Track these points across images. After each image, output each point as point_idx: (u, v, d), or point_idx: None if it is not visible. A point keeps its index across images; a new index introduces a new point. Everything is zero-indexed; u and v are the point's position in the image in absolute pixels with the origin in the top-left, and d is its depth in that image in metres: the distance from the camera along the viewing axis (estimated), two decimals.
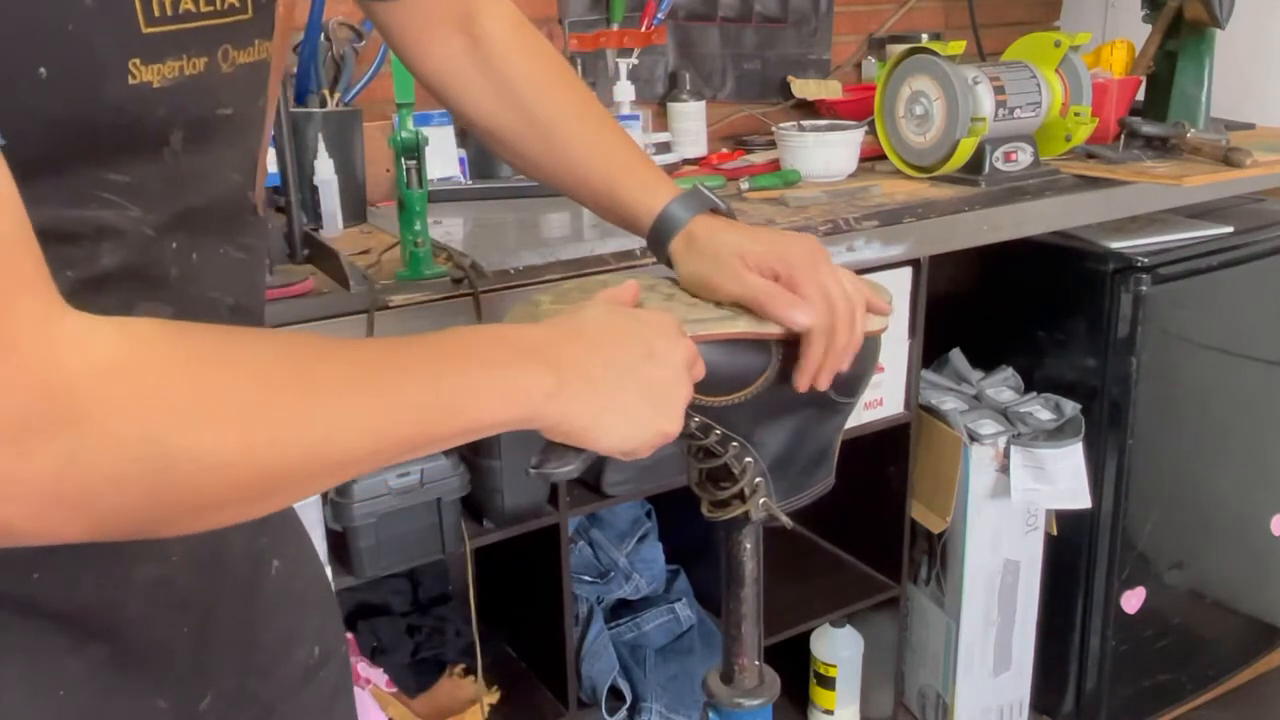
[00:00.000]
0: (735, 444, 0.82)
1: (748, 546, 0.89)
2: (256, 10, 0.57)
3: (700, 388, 0.78)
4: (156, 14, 0.51)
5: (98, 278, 0.52)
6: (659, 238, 0.85)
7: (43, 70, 0.47)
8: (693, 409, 0.79)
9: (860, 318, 0.79)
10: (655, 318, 0.66)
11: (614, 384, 0.60)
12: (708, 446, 0.82)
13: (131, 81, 0.50)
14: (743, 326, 0.79)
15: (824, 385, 0.79)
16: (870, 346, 0.86)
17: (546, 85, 0.87)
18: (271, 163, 1.30)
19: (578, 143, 0.86)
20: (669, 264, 0.86)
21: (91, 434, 0.42)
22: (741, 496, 0.84)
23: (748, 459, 0.83)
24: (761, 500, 0.84)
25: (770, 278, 0.79)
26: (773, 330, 0.79)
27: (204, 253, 0.59)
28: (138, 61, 0.51)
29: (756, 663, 0.93)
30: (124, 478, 0.43)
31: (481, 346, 0.56)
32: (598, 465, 1.48)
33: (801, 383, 0.79)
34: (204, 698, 0.64)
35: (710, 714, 0.93)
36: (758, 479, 0.84)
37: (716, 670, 0.94)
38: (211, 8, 0.54)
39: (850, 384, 0.85)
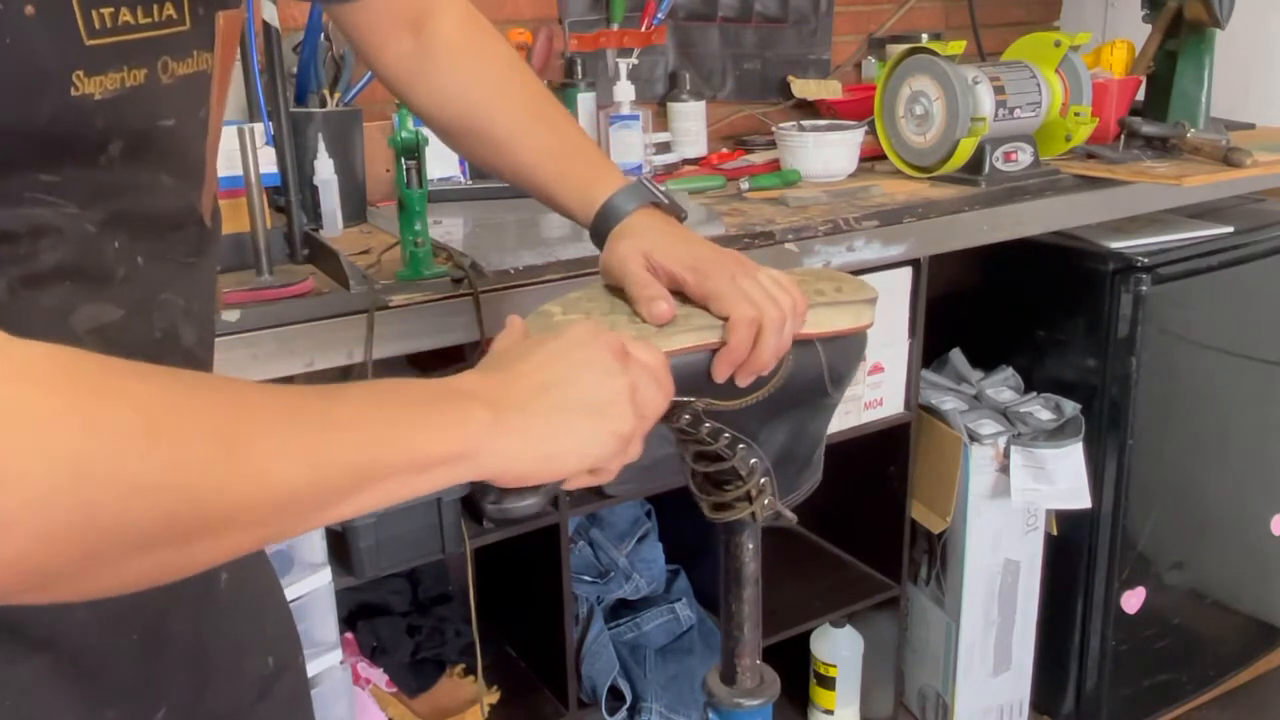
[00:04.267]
0: (743, 446, 0.82)
1: (750, 547, 0.89)
2: (194, 22, 0.58)
3: (716, 393, 0.77)
4: (97, 26, 0.51)
5: (38, 275, 0.52)
6: (600, 231, 0.84)
7: None
8: (707, 414, 0.79)
9: (790, 323, 0.78)
10: (567, 330, 0.63)
11: (548, 408, 0.58)
12: (716, 451, 0.82)
13: (74, 93, 0.51)
14: (716, 336, 0.78)
15: (743, 382, 0.78)
16: (857, 342, 0.87)
17: (488, 87, 0.88)
18: (271, 162, 1.30)
19: (519, 144, 0.87)
20: None
21: (9, 448, 0.37)
22: (748, 498, 0.84)
23: (753, 460, 0.83)
24: (767, 500, 0.84)
25: (670, 281, 0.79)
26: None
27: (148, 258, 0.58)
28: (81, 74, 0.51)
29: (757, 663, 0.93)
30: (45, 498, 0.38)
31: (415, 389, 0.54)
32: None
33: (719, 373, 0.77)
34: (158, 710, 0.63)
35: (710, 714, 0.93)
36: (763, 479, 0.84)
37: (716, 670, 0.94)
38: (150, 19, 0.54)
39: (839, 379, 0.86)
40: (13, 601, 0.41)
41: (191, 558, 0.45)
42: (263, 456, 0.45)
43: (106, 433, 0.40)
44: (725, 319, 0.77)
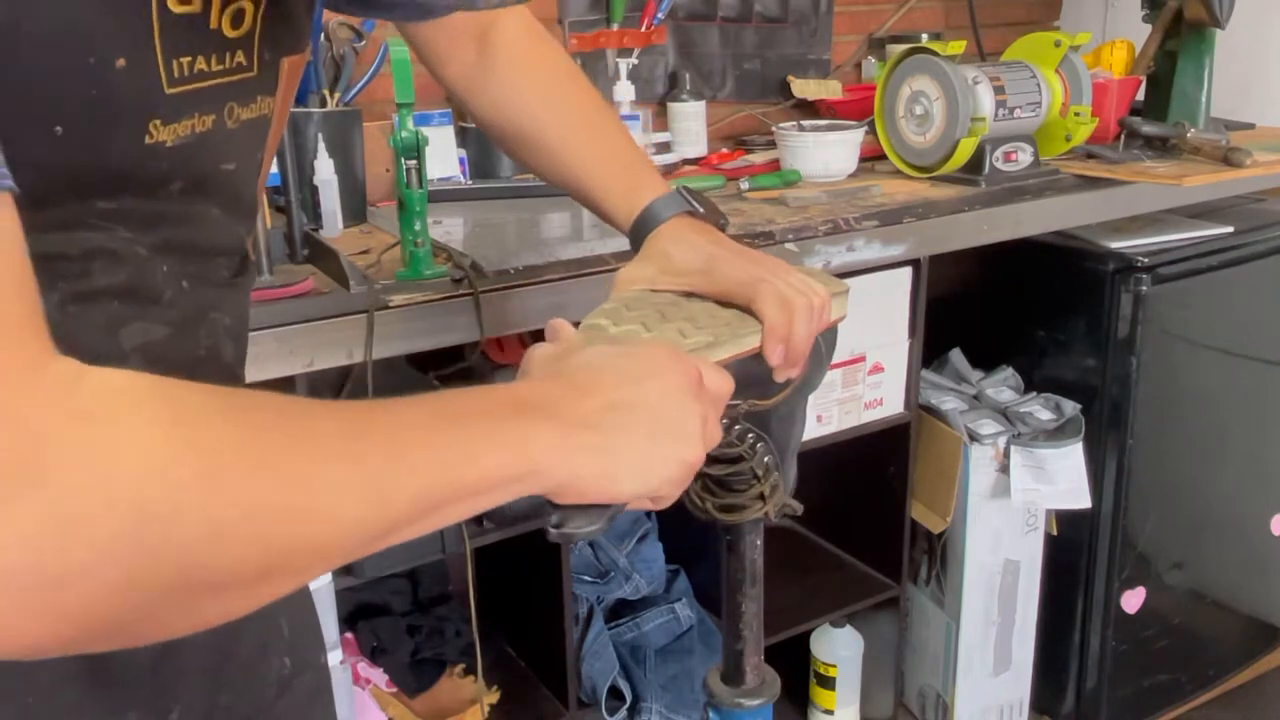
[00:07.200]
0: (761, 444, 0.83)
1: (758, 544, 0.90)
2: (261, 68, 0.59)
3: (758, 394, 0.79)
4: (177, 75, 0.52)
5: (89, 293, 0.52)
6: (637, 242, 0.86)
7: (59, 129, 0.47)
8: (745, 417, 0.80)
9: (820, 315, 0.80)
10: (645, 349, 0.62)
11: (616, 427, 0.56)
12: (739, 453, 0.82)
13: (148, 141, 0.51)
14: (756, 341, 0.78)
15: (788, 374, 0.80)
16: (835, 332, 0.89)
17: (542, 97, 0.91)
18: (271, 163, 1.30)
19: (567, 154, 0.90)
20: None
21: (72, 490, 0.36)
22: (761, 496, 0.85)
23: (768, 457, 0.83)
24: (778, 494, 0.85)
25: (685, 290, 0.83)
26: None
27: (194, 280, 0.59)
28: (158, 122, 0.51)
29: (760, 662, 0.93)
30: (110, 544, 0.37)
31: (478, 402, 0.53)
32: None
33: (772, 354, 0.78)
34: (170, 711, 0.62)
35: (711, 714, 0.93)
36: (775, 474, 0.84)
37: (716, 670, 0.94)
38: (222, 66, 0.55)
39: (824, 368, 0.89)
40: (75, 651, 0.39)
41: (258, 597, 0.44)
42: (330, 495, 0.44)
43: (169, 478, 0.39)
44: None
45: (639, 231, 0.85)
